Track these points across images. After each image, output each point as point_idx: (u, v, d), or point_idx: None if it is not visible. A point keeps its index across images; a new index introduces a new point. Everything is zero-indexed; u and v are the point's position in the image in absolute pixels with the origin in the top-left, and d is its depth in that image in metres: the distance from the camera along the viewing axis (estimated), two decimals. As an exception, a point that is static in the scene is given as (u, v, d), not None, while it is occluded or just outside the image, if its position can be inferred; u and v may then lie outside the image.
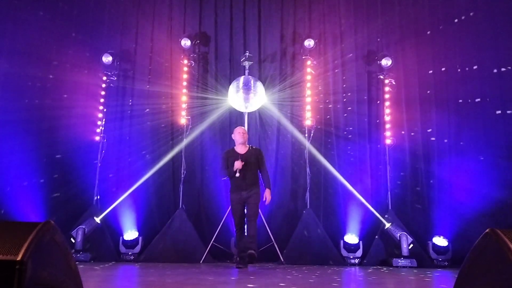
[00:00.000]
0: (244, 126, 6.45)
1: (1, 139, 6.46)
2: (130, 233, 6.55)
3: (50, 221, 1.77)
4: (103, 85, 7.29)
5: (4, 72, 6.77)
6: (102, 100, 7.25)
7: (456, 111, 7.16)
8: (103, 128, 7.13)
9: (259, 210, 5.54)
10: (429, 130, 7.23)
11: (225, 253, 6.57)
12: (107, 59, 7.11)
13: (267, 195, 5.36)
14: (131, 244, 6.46)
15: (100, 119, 7.18)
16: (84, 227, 6.23)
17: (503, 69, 6.80)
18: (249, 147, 5.51)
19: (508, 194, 6.30)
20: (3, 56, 6.80)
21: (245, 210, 5.32)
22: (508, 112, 6.75)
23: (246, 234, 5.34)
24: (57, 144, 6.97)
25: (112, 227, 6.69)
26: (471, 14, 7.16)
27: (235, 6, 7.73)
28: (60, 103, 7.14)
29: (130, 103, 7.44)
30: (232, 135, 5.64)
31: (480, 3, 7.15)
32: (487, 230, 1.85)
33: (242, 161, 5.23)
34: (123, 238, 6.51)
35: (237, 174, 5.22)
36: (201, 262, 6.19)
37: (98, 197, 6.76)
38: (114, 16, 7.69)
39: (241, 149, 5.44)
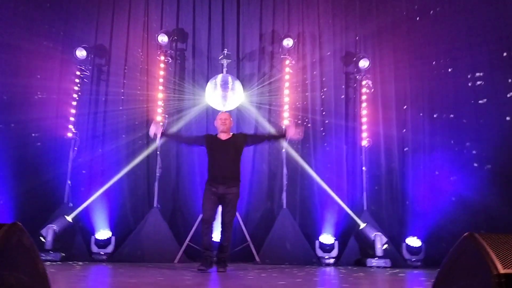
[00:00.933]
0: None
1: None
2: (103, 232, 6.38)
3: (17, 222, 1.67)
4: (77, 80, 7.06)
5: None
6: (75, 95, 7.02)
7: (430, 111, 7.29)
8: (75, 124, 6.93)
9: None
10: (404, 131, 7.33)
11: (200, 253, 6.47)
12: (81, 53, 6.89)
13: (293, 130, 4.99)
14: (104, 243, 6.30)
15: (73, 115, 6.96)
16: (54, 226, 6.04)
17: (477, 74, 6.96)
18: (232, 134, 5.14)
19: (480, 196, 6.44)
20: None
21: (220, 212, 4.90)
22: (481, 111, 6.91)
23: (219, 241, 4.96)
24: (27, 140, 6.74)
25: (84, 226, 6.51)
26: (445, 9, 7.31)
27: (213, 3, 7.63)
28: (31, 97, 6.90)
29: (104, 99, 7.25)
30: (215, 122, 5.23)
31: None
32: (465, 234, 1.85)
33: (223, 146, 4.91)
34: (95, 237, 6.34)
35: (157, 142, 5.05)
36: (176, 262, 6.10)
37: (69, 195, 6.57)
38: (89, 10, 7.48)
39: (223, 136, 5.07)
